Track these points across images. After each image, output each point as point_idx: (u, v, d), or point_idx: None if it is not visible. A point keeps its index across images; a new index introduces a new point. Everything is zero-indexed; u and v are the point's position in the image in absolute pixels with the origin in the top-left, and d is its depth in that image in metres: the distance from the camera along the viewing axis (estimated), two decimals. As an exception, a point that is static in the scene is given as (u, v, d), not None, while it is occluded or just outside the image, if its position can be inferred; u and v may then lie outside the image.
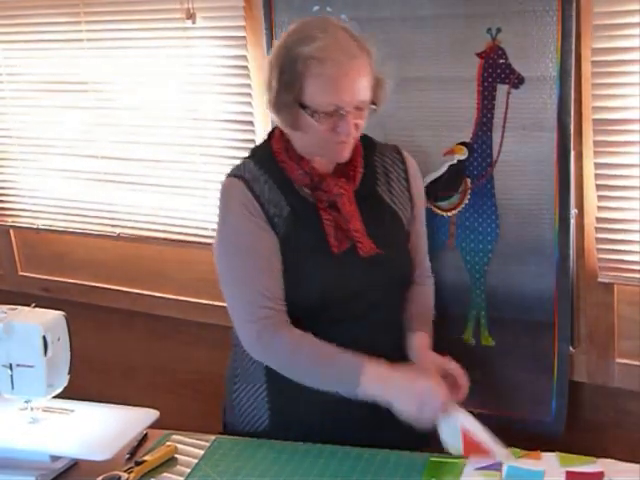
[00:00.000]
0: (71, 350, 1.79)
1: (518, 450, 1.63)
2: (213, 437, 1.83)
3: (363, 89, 1.69)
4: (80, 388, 1.82)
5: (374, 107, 1.75)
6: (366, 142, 1.87)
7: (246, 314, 1.76)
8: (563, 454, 1.61)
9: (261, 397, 1.87)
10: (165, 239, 2.64)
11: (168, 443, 1.78)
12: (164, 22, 2.48)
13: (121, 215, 2.75)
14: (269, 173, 1.78)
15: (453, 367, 1.74)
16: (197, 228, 2.57)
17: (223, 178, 1.82)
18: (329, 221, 1.75)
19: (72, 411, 1.81)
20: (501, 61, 1.97)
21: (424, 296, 1.94)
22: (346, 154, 1.76)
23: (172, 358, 2.79)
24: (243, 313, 1.77)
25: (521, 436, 1.91)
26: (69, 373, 1.79)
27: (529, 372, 2.08)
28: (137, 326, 2.85)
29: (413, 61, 2.07)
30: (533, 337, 2.06)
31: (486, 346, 2.13)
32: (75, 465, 1.75)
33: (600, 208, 1.99)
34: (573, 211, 1.99)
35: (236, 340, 1.84)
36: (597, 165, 1.97)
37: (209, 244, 2.19)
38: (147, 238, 2.69)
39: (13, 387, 1.75)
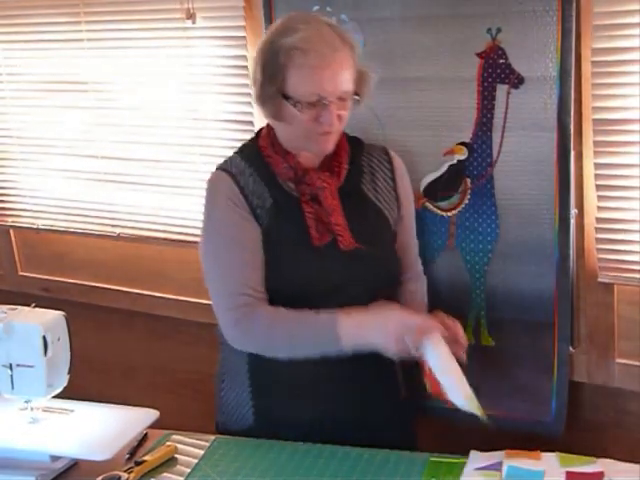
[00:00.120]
0: (71, 350, 1.79)
1: (478, 406, 1.67)
2: (213, 437, 1.83)
3: (345, 80, 1.72)
4: (80, 388, 1.82)
5: (357, 98, 1.77)
6: (354, 142, 1.90)
7: (226, 303, 1.78)
8: (563, 454, 1.61)
9: (245, 394, 1.89)
10: (165, 239, 2.64)
11: (168, 443, 1.78)
12: (164, 22, 2.48)
13: (121, 215, 2.75)
14: (254, 167, 1.81)
15: (451, 323, 1.73)
16: (197, 228, 2.55)
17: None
18: (311, 214, 1.78)
19: (72, 411, 1.82)
20: (501, 61, 1.97)
21: (416, 294, 1.93)
22: (330, 146, 1.78)
23: (172, 358, 2.79)
24: (224, 302, 1.79)
25: (521, 436, 1.92)
26: (69, 373, 1.79)
27: (529, 372, 2.08)
28: (137, 326, 2.85)
29: (413, 61, 2.07)
30: (533, 337, 2.06)
31: (486, 346, 2.13)
32: (75, 465, 1.75)
33: (600, 208, 1.99)
34: (573, 211, 1.99)
35: (222, 338, 1.86)
36: (597, 165, 1.97)
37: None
38: (147, 238, 2.69)
39: (13, 387, 1.75)
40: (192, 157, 2.53)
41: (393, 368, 1.93)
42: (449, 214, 2.11)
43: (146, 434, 1.82)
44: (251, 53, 2.35)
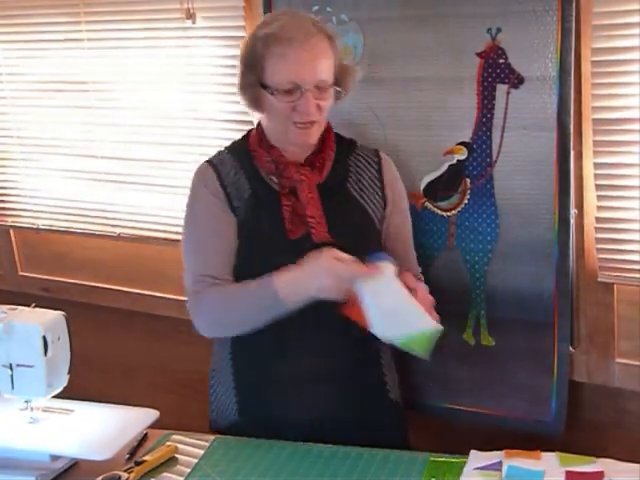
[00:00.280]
0: (71, 350, 1.79)
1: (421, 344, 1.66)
2: (213, 437, 1.84)
3: (322, 69, 1.74)
4: (80, 388, 1.82)
5: (338, 89, 1.80)
6: (344, 142, 1.92)
7: (192, 286, 1.84)
8: (563, 454, 1.61)
9: (230, 392, 1.92)
10: (165, 239, 2.64)
11: (168, 443, 1.78)
12: (164, 22, 2.48)
13: (121, 215, 2.75)
14: (238, 160, 1.86)
15: (419, 287, 1.71)
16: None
17: None
18: (288, 207, 1.80)
19: (72, 411, 1.82)
20: (501, 61, 1.97)
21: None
22: (311, 138, 1.80)
23: (172, 358, 2.79)
24: (190, 286, 1.85)
25: (521, 436, 1.92)
26: (69, 373, 1.79)
27: (529, 372, 2.08)
28: (137, 326, 2.85)
29: (413, 61, 2.07)
30: (533, 337, 2.06)
31: (486, 346, 2.13)
32: (75, 465, 1.75)
33: (600, 208, 1.99)
34: (573, 211, 1.99)
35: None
36: (597, 165, 1.97)
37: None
38: (147, 238, 2.69)
39: (13, 387, 1.75)
40: (192, 157, 2.53)
41: (379, 369, 1.93)
42: (449, 214, 2.11)
43: (146, 434, 1.82)
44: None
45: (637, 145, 1.91)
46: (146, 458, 1.71)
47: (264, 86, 1.76)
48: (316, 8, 2.16)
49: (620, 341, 2.08)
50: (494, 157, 2.03)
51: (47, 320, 1.74)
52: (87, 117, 2.72)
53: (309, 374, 1.81)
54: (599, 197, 1.99)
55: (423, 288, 1.72)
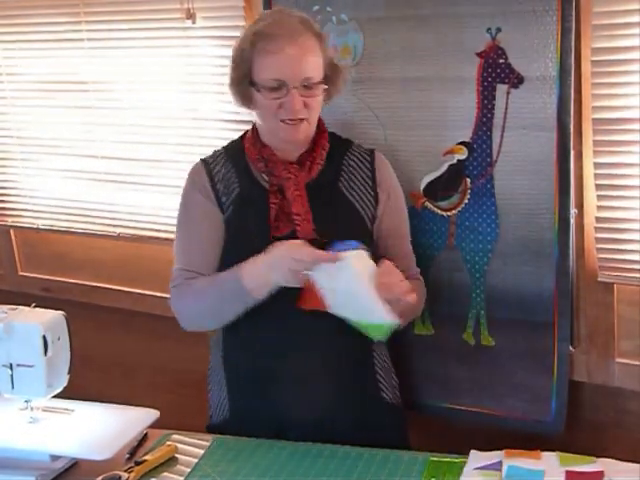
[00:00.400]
0: (71, 350, 1.79)
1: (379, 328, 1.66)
2: (213, 437, 1.84)
3: (309, 67, 1.76)
4: (80, 388, 1.83)
5: (325, 87, 1.81)
6: (339, 142, 1.93)
7: (171, 281, 1.90)
8: (563, 454, 1.61)
9: (223, 391, 1.94)
10: (165, 239, 2.64)
11: (168, 443, 1.78)
12: (164, 22, 2.48)
13: (121, 215, 2.75)
14: (231, 158, 1.90)
15: (390, 272, 1.69)
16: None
17: None
18: (275, 204, 1.82)
19: (72, 411, 1.82)
20: (501, 61, 1.97)
21: (414, 283, 1.91)
22: (299, 135, 1.81)
23: (172, 358, 2.79)
24: (170, 280, 1.90)
25: (521, 436, 1.92)
26: (69, 373, 1.79)
27: (529, 372, 2.08)
28: (137, 326, 2.85)
29: (413, 61, 2.07)
30: (533, 337, 2.06)
31: (486, 346, 2.13)
32: (75, 465, 1.75)
33: (600, 208, 1.99)
34: (573, 211, 1.99)
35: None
36: (597, 165, 1.97)
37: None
38: (147, 238, 2.69)
39: (13, 387, 1.75)
40: (192, 157, 2.51)
41: (372, 370, 1.93)
42: (449, 214, 2.11)
43: (146, 434, 1.83)
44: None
45: (637, 145, 1.91)
46: (146, 458, 1.71)
47: (252, 83, 1.79)
48: (316, 8, 2.16)
49: (620, 341, 2.08)
50: (494, 157, 2.03)
51: (47, 320, 1.74)
52: (87, 117, 2.72)
53: (298, 374, 1.81)
54: (599, 197, 1.99)
55: (394, 279, 1.67)
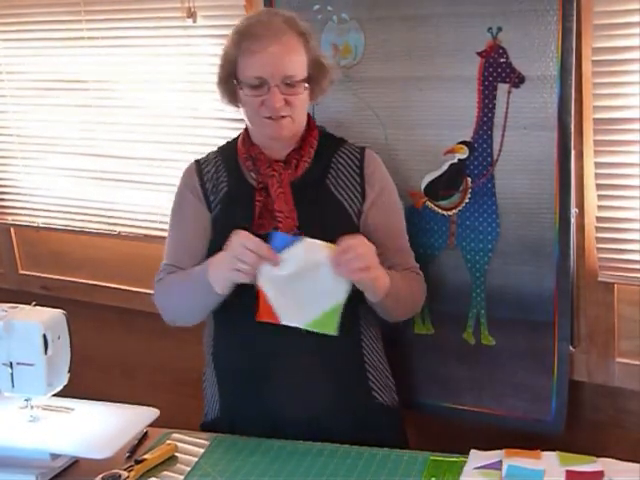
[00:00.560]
0: (71, 348, 1.79)
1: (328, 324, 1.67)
2: (213, 436, 1.84)
3: (290, 65, 1.78)
4: (80, 386, 1.82)
5: (306, 86, 1.82)
6: (330, 141, 1.95)
7: (156, 275, 1.95)
8: (563, 453, 1.61)
9: (214, 387, 1.96)
10: (165, 237, 2.64)
11: (168, 442, 1.78)
12: (165, 21, 2.48)
13: (121, 214, 2.75)
14: (223, 157, 1.95)
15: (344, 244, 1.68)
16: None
17: None
18: (260, 202, 1.84)
19: (72, 409, 1.82)
20: (502, 60, 1.97)
21: (407, 274, 1.92)
22: (283, 132, 1.83)
23: (172, 357, 2.79)
24: (157, 275, 1.95)
25: (521, 435, 1.92)
26: (69, 371, 1.79)
27: (529, 371, 2.08)
28: (137, 325, 2.85)
29: (414, 60, 2.06)
30: (533, 336, 2.06)
31: (486, 345, 2.13)
32: (75, 463, 1.75)
33: (600, 207, 1.99)
34: (573, 210, 1.99)
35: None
36: (597, 164, 1.97)
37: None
38: (147, 237, 2.69)
39: (13, 385, 1.75)
40: (192, 156, 2.51)
41: (362, 371, 1.92)
42: (450, 213, 2.11)
43: (146, 432, 1.83)
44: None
45: (638, 144, 1.91)
46: (146, 457, 1.71)
47: (237, 81, 1.83)
48: (317, 7, 2.16)
49: (620, 341, 2.08)
50: (495, 156, 2.02)
51: (47, 318, 1.74)
52: (87, 116, 2.72)
53: (286, 373, 1.82)
54: (600, 196, 1.99)
55: (348, 256, 1.65)
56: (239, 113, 1.93)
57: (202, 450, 1.77)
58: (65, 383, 1.79)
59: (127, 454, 1.75)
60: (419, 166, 2.12)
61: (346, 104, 2.18)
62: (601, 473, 1.54)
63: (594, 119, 1.94)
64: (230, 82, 1.85)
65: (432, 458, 1.67)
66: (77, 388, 1.81)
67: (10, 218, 3.00)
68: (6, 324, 1.71)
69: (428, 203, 2.13)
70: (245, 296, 1.74)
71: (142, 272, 2.80)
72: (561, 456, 1.60)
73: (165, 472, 1.69)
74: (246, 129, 1.94)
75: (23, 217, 2.97)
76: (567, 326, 2.04)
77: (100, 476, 1.63)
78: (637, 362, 2.07)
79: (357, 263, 1.65)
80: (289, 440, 1.78)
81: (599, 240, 2.01)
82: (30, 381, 1.73)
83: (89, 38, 2.63)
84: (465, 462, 1.62)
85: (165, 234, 2.59)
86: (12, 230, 3.06)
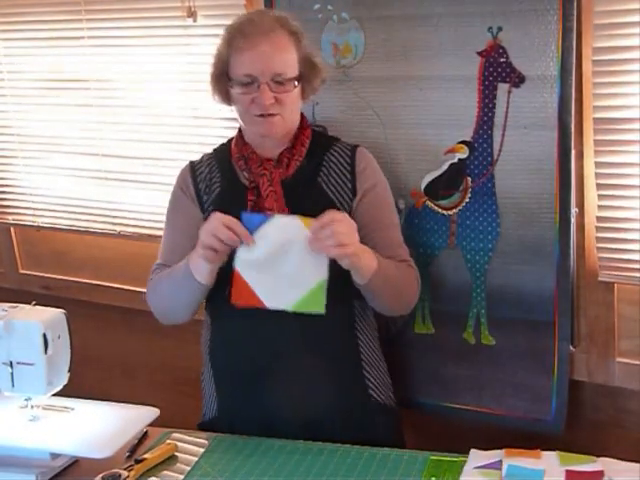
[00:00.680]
0: (71, 348, 1.79)
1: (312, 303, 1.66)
2: (213, 435, 1.84)
3: (279, 63, 1.80)
4: (80, 386, 1.83)
5: (296, 84, 1.83)
6: (323, 139, 1.97)
7: (150, 275, 1.97)
8: (563, 453, 1.61)
9: (212, 387, 1.96)
10: (165, 237, 2.64)
11: (168, 441, 1.78)
12: (165, 20, 2.48)
13: (122, 213, 2.75)
14: (217, 158, 1.97)
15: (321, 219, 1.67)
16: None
17: None
18: (251, 201, 1.85)
19: (72, 409, 1.82)
20: (502, 60, 1.96)
21: (400, 264, 1.91)
22: (274, 130, 1.84)
23: (172, 356, 2.79)
24: (150, 274, 1.97)
25: (521, 435, 1.92)
26: (69, 371, 1.79)
27: (529, 371, 2.08)
28: (137, 324, 2.84)
29: (414, 60, 2.06)
30: (533, 336, 2.06)
31: (486, 345, 2.13)
32: (75, 463, 1.75)
33: (601, 207, 1.99)
34: (574, 210, 1.99)
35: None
36: (598, 164, 1.97)
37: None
38: (147, 236, 2.69)
39: (13, 385, 1.75)
40: (193, 155, 2.52)
41: (358, 369, 1.92)
42: (450, 213, 2.11)
43: (146, 432, 1.83)
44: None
45: (638, 144, 1.91)
46: (146, 456, 1.71)
47: (229, 79, 1.84)
48: (317, 6, 2.16)
49: (620, 340, 2.08)
50: (495, 156, 2.02)
51: (47, 318, 1.74)
52: (88, 115, 2.72)
53: (282, 373, 1.81)
54: (600, 196, 1.99)
55: (323, 234, 1.64)
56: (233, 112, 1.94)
57: (202, 450, 1.77)
58: (65, 383, 1.79)
59: (127, 454, 1.75)
60: (419, 166, 2.12)
61: (346, 104, 2.18)
62: (601, 473, 1.54)
63: (594, 119, 1.94)
64: (222, 81, 1.87)
65: (432, 458, 1.67)
66: (77, 388, 1.81)
67: (11, 218, 3.00)
68: (6, 323, 1.71)
69: (428, 203, 2.13)
70: None
71: (143, 272, 2.78)
72: (561, 456, 1.60)
73: (165, 472, 1.69)
74: (240, 129, 1.95)
75: (24, 217, 2.97)
76: (567, 326, 2.04)
77: (100, 476, 1.63)
78: (637, 362, 2.07)
79: (333, 240, 1.63)
80: (288, 440, 1.78)
81: (599, 240, 2.01)
82: (30, 381, 1.73)
83: (89, 37, 2.63)
84: (465, 462, 1.62)
85: (165, 234, 2.64)
86: (13, 230, 3.06)
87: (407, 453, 1.71)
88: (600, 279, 2.04)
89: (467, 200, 2.08)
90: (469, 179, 2.07)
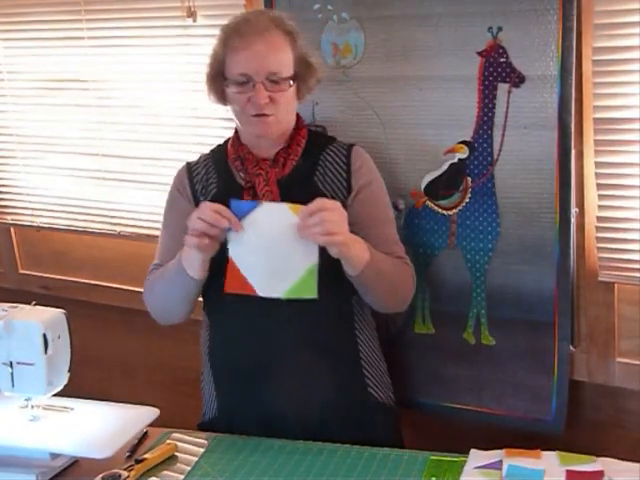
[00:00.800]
0: (71, 348, 1.79)
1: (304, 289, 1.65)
2: (213, 435, 1.84)
3: (274, 62, 1.80)
4: (80, 386, 1.82)
5: (291, 83, 1.83)
6: (319, 139, 1.97)
7: (146, 275, 1.98)
8: (563, 453, 1.61)
9: (211, 386, 1.96)
10: (165, 237, 2.64)
11: (168, 441, 1.78)
12: (165, 20, 2.48)
13: (121, 213, 2.75)
14: (214, 159, 1.98)
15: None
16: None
17: None
18: None
19: (72, 409, 1.82)
20: (502, 60, 1.96)
21: (395, 260, 1.90)
22: (269, 130, 1.84)
23: (172, 356, 2.79)
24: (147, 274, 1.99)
25: (521, 435, 1.92)
26: (69, 371, 1.79)
27: (529, 371, 2.08)
28: (137, 324, 2.84)
29: (414, 60, 2.06)
30: (533, 336, 2.06)
31: (486, 345, 2.13)
32: (75, 463, 1.75)
33: (601, 207, 1.99)
34: (574, 210, 1.99)
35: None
36: (598, 164, 1.96)
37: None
38: (147, 236, 2.69)
39: (13, 385, 1.75)
40: (192, 155, 2.52)
41: (358, 367, 1.92)
42: (450, 213, 2.11)
43: (146, 432, 1.83)
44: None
45: (638, 144, 1.91)
46: (146, 456, 1.71)
47: (225, 79, 1.85)
48: (317, 6, 2.16)
49: (620, 340, 2.08)
50: (495, 156, 2.02)
51: (47, 318, 1.74)
52: (87, 115, 2.72)
53: (281, 373, 1.82)
54: (600, 196, 1.99)
55: (311, 221, 1.64)
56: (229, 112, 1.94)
57: (202, 450, 1.77)
58: (65, 383, 1.79)
59: (127, 454, 1.75)
60: (419, 166, 2.12)
61: (346, 104, 2.18)
62: (601, 473, 1.54)
63: (594, 119, 1.94)
64: (218, 80, 1.87)
65: (432, 458, 1.67)
66: (77, 388, 1.81)
67: (10, 218, 3.00)
68: (6, 324, 1.71)
69: (428, 203, 2.13)
70: (240, 296, 1.74)
71: (142, 272, 2.77)
72: (561, 456, 1.60)
73: (165, 472, 1.69)
74: (236, 130, 1.95)
75: (23, 217, 2.97)
76: (567, 326, 2.04)
77: (100, 476, 1.63)
78: (637, 362, 2.07)
79: (321, 227, 1.63)
80: (288, 440, 1.78)
81: (599, 240, 2.01)
82: (30, 381, 1.73)
83: (89, 38, 2.63)
84: (465, 462, 1.62)
85: (165, 234, 2.63)
86: (12, 230, 3.06)
87: (407, 453, 1.71)
88: (600, 279, 2.04)
89: (467, 200, 2.08)
90: (469, 179, 2.07)
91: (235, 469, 1.68)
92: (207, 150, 2.06)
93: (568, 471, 1.55)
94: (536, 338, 2.06)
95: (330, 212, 1.65)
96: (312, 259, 1.65)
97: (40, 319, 1.73)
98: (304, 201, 1.78)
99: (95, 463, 1.66)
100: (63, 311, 1.79)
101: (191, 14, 2.38)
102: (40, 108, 2.82)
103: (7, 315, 1.74)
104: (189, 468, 1.70)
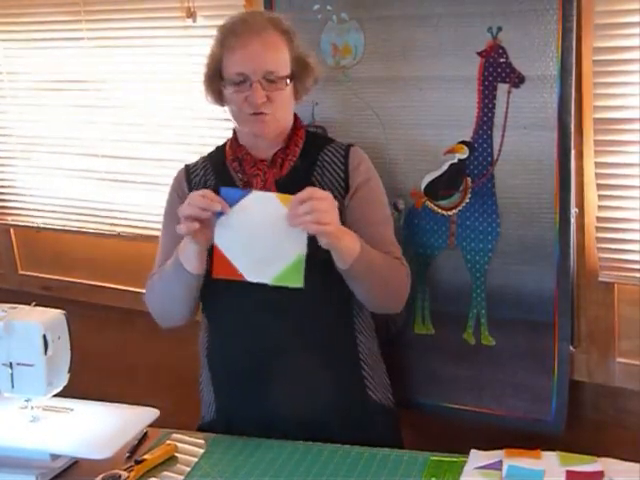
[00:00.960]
0: (71, 349, 1.79)
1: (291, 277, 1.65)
2: (213, 436, 1.83)
3: (271, 61, 1.80)
4: (80, 387, 1.82)
5: (288, 82, 1.83)
6: (318, 139, 1.97)
7: (148, 279, 1.98)
8: (563, 453, 1.61)
9: (209, 388, 1.97)
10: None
11: (168, 442, 1.78)
12: (164, 20, 2.48)
13: (121, 214, 2.75)
14: (212, 161, 1.98)
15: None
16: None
17: None
18: None
19: (72, 410, 1.82)
20: (502, 60, 1.96)
21: (389, 257, 1.89)
22: (266, 129, 1.84)
23: (172, 357, 2.78)
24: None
25: (521, 435, 1.92)
26: (69, 372, 1.79)
27: (529, 371, 2.08)
28: (137, 325, 2.84)
29: (414, 60, 2.07)
30: (533, 336, 2.06)
31: (486, 345, 2.13)
32: (75, 464, 1.75)
33: (601, 207, 1.99)
34: (574, 210, 1.99)
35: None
36: (598, 164, 1.96)
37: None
38: (147, 237, 2.69)
39: (13, 386, 1.75)
40: (192, 156, 2.52)
41: (357, 368, 1.92)
42: (450, 213, 2.11)
43: (146, 433, 1.83)
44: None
45: (638, 144, 1.91)
46: (146, 457, 1.71)
47: (222, 79, 1.85)
48: (317, 7, 2.16)
49: (621, 340, 2.08)
50: (495, 156, 2.02)
51: (47, 319, 1.74)
52: (87, 116, 2.72)
53: (280, 374, 1.81)
54: (600, 196, 1.99)
55: (300, 210, 1.63)
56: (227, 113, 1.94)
57: (202, 450, 1.77)
58: (65, 383, 1.79)
59: (127, 454, 1.75)
60: (419, 166, 2.12)
61: (346, 104, 2.18)
62: (601, 473, 1.54)
63: (594, 119, 1.94)
64: (215, 81, 1.88)
65: (432, 458, 1.67)
66: (77, 388, 1.81)
67: (10, 218, 3.00)
68: (6, 324, 1.71)
69: (428, 203, 2.13)
70: (238, 297, 1.74)
71: (142, 272, 2.78)
72: (561, 456, 1.60)
73: (165, 472, 1.69)
74: (234, 131, 1.96)
75: (23, 217, 2.97)
76: (567, 326, 2.04)
77: (100, 476, 1.63)
78: (637, 362, 2.07)
79: (311, 216, 1.62)
80: (288, 440, 1.78)
81: (599, 240, 2.01)
82: (30, 381, 1.73)
83: (89, 38, 2.64)
84: (465, 462, 1.62)
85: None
86: (12, 230, 3.06)
87: (407, 453, 1.71)
88: (600, 279, 2.04)
89: (467, 200, 2.08)
90: (469, 179, 2.07)
91: (235, 470, 1.68)
92: (207, 150, 2.06)
93: (568, 471, 1.55)
94: (536, 338, 2.06)
95: (320, 201, 1.64)
96: (301, 248, 1.65)
97: (40, 320, 1.72)
98: None
99: (95, 464, 1.66)
100: (63, 312, 1.79)
101: (191, 14, 2.38)
102: (40, 108, 2.82)
103: (7, 316, 1.74)
104: (189, 469, 1.70)
